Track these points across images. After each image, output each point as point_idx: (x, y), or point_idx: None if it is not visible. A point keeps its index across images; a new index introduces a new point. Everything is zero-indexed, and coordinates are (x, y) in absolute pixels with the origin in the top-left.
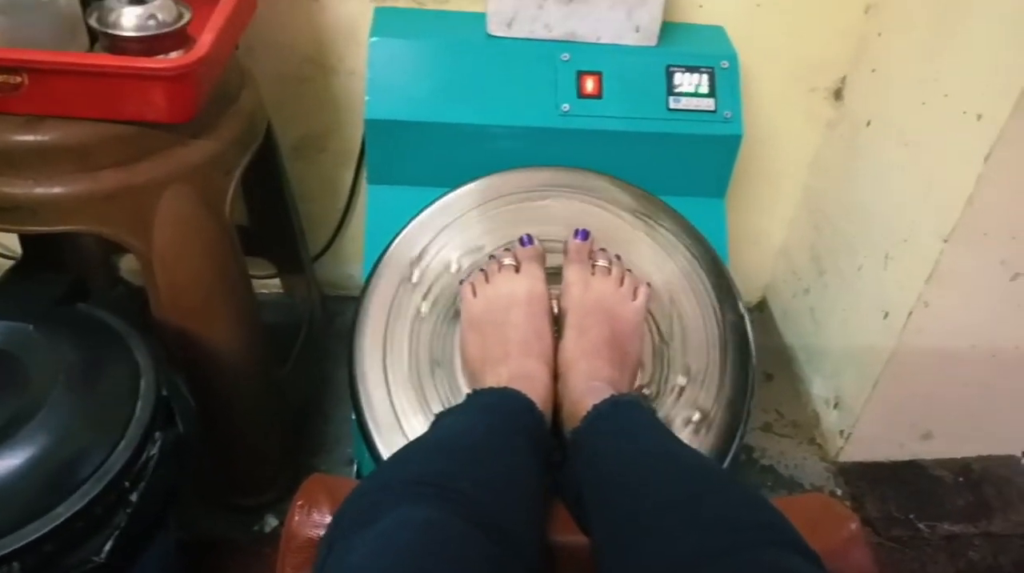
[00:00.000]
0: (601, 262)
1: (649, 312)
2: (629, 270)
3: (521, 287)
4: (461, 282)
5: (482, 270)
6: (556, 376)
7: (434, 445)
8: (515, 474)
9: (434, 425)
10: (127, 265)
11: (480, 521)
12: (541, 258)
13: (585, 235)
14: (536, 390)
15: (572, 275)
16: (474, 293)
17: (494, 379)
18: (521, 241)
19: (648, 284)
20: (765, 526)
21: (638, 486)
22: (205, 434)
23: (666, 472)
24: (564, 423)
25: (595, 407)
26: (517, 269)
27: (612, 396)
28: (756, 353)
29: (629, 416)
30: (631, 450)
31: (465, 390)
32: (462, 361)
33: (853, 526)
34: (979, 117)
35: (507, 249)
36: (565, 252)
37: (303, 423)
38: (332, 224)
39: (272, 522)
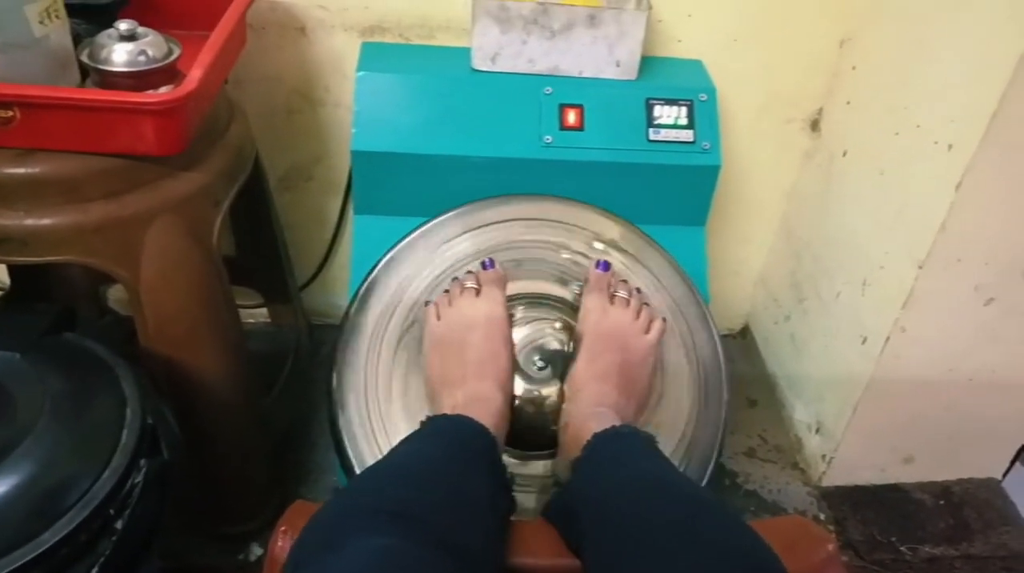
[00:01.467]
0: (621, 293)
1: None
2: (647, 304)
3: (480, 310)
4: (427, 303)
5: (446, 292)
6: (563, 397)
7: (390, 472)
8: (470, 496)
9: (391, 452)
10: (114, 295)
11: (438, 543)
12: (502, 281)
13: (606, 266)
14: (489, 413)
15: (591, 303)
16: (438, 315)
17: (450, 401)
18: (483, 264)
19: (664, 319)
20: (749, 551)
21: (633, 510)
22: (191, 462)
23: (661, 497)
24: (567, 446)
25: (595, 435)
26: (478, 292)
27: (613, 426)
28: (736, 381)
29: (629, 445)
30: (627, 476)
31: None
32: (424, 382)
33: (830, 547)
34: (950, 147)
35: (470, 272)
36: (585, 281)
37: (289, 451)
38: (319, 254)
39: (257, 551)
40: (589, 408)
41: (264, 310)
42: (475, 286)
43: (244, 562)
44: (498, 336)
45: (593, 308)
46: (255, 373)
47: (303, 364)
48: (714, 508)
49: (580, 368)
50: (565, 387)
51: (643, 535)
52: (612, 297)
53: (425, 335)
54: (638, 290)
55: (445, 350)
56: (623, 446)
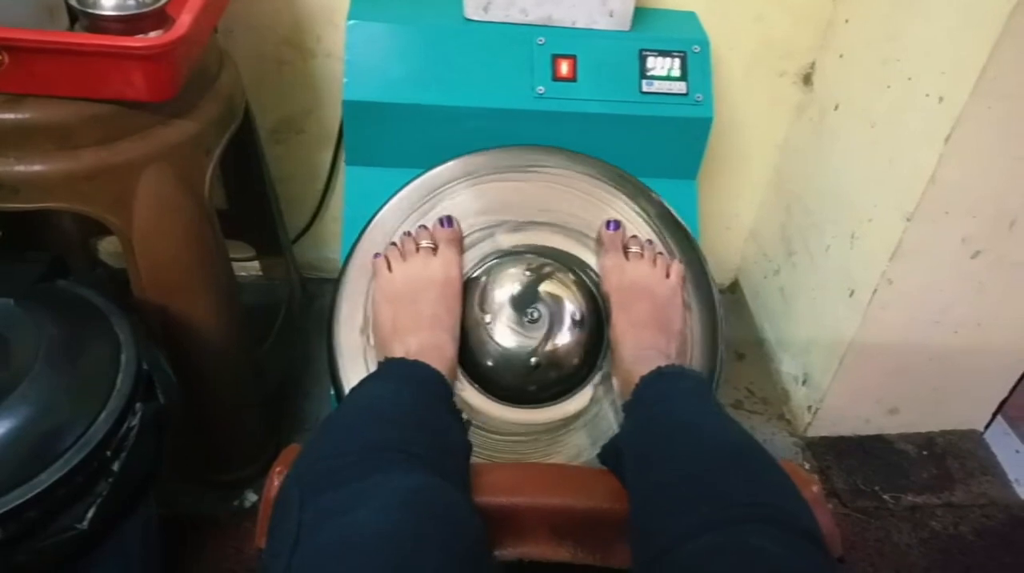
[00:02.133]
0: (634, 248)
1: None
2: (660, 252)
3: (438, 270)
4: (376, 255)
5: (394, 245)
6: (610, 348)
7: (372, 413)
8: (447, 438)
9: (355, 391)
10: (105, 247)
11: (450, 481)
12: (458, 240)
13: (616, 226)
14: (443, 360)
15: (609, 262)
16: (389, 267)
17: (402, 349)
18: (441, 222)
19: (680, 261)
20: (759, 504)
21: (662, 460)
22: (186, 410)
23: (689, 446)
24: (619, 392)
25: (642, 379)
26: (435, 250)
27: (658, 367)
28: (727, 333)
29: (672, 385)
30: (663, 423)
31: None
32: (372, 328)
33: (815, 489)
34: (940, 99)
35: (424, 227)
36: (598, 241)
37: (283, 401)
38: (311, 207)
39: (252, 497)
40: (634, 352)
41: (256, 263)
42: (431, 244)
43: (239, 509)
44: (453, 295)
45: (613, 266)
46: (248, 322)
47: (295, 317)
48: (737, 457)
49: (617, 320)
50: (609, 340)
51: (667, 493)
52: (627, 253)
53: (376, 286)
54: (649, 241)
55: (398, 303)
56: (666, 388)
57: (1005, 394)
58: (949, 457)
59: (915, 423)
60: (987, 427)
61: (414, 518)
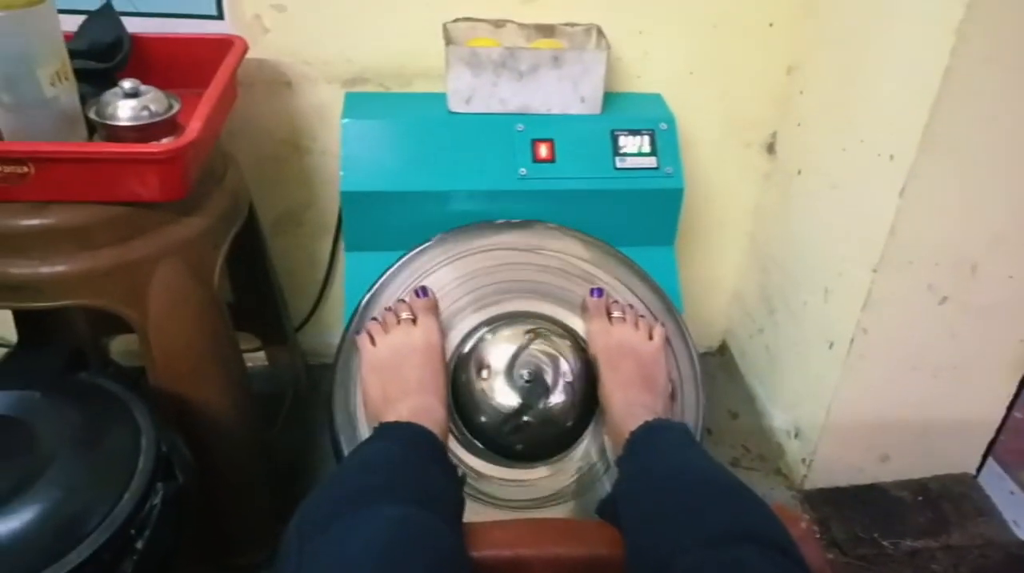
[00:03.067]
0: (616, 313)
1: None
2: (642, 315)
3: (419, 337)
4: (358, 333)
5: (375, 319)
6: (602, 410)
7: (363, 466)
8: (439, 488)
9: (350, 455)
10: (116, 347)
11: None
12: (435, 309)
13: (600, 293)
14: (435, 422)
15: (594, 327)
16: (373, 342)
17: (394, 414)
18: (416, 293)
19: (663, 324)
20: (740, 529)
21: (652, 500)
22: (199, 492)
23: (677, 485)
24: (611, 448)
25: (632, 434)
26: (414, 320)
27: (646, 422)
28: (718, 396)
29: (661, 437)
30: (654, 469)
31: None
32: (363, 401)
33: (803, 525)
34: (891, 157)
35: (402, 301)
36: (584, 308)
37: (292, 485)
38: (313, 295)
39: None
40: (623, 409)
41: (262, 353)
42: (410, 315)
43: None
44: (436, 359)
45: (598, 331)
46: (257, 407)
47: (301, 402)
48: (725, 494)
49: (605, 380)
50: (599, 400)
51: (659, 525)
52: (610, 318)
53: (362, 361)
54: (631, 306)
55: (385, 373)
56: (656, 438)
57: (992, 435)
58: (944, 501)
59: (908, 469)
60: (979, 470)
61: (399, 536)
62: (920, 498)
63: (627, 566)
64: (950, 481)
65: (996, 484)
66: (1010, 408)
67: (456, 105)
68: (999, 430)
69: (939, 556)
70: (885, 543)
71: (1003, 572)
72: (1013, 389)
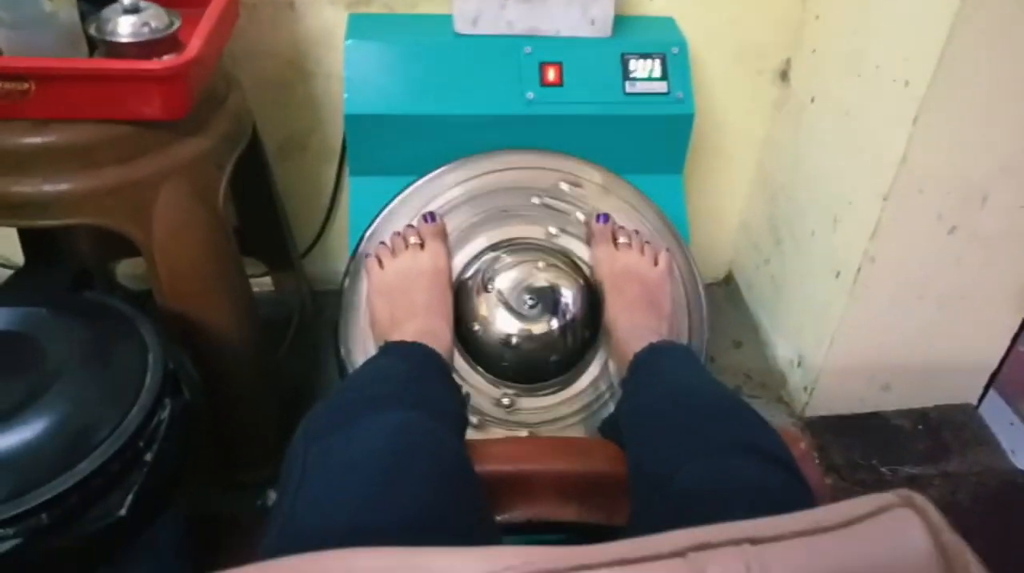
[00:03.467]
0: (622, 238)
1: None
2: (648, 242)
3: (427, 261)
4: (367, 255)
5: (383, 243)
6: (606, 332)
7: (371, 377)
8: (444, 402)
9: (357, 370)
10: (123, 270)
11: (442, 420)
12: (443, 234)
13: (606, 218)
14: (440, 342)
15: (600, 253)
16: (381, 265)
17: (400, 336)
18: (424, 218)
19: (667, 249)
20: (738, 441)
21: (655, 416)
22: (207, 411)
23: (681, 404)
24: (615, 371)
25: (636, 355)
26: (422, 245)
27: (650, 343)
28: (722, 326)
29: (665, 356)
30: (657, 389)
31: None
32: (370, 323)
33: (802, 446)
34: (906, 84)
35: (411, 226)
36: (589, 234)
37: (298, 408)
38: (318, 221)
39: (273, 496)
40: (628, 332)
41: (267, 279)
42: (418, 240)
43: (261, 508)
44: (443, 283)
45: (603, 257)
46: (262, 328)
47: (306, 328)
48: (725, 410)
49: (610, 304)
50: (603, 324)
51: (660, 439)
52: (616, 243)
53: (369, 284)
54: (636, 232)
55: (392, 296)
56: (660, 359)
57: (995, 366)
58: (944, 430)
59: (909, 399)
60: (980, 401)
61: (403, 439)
62: (920, 427)
63: (630, 481)
64: (951, 411)
65: (997, 414)
66: (1014, 340)
67: (462, 27)
68: (1002, 361)
69: (937, 482)
70: (883, 469)
71: (999, 499)
72: (1018, 321)
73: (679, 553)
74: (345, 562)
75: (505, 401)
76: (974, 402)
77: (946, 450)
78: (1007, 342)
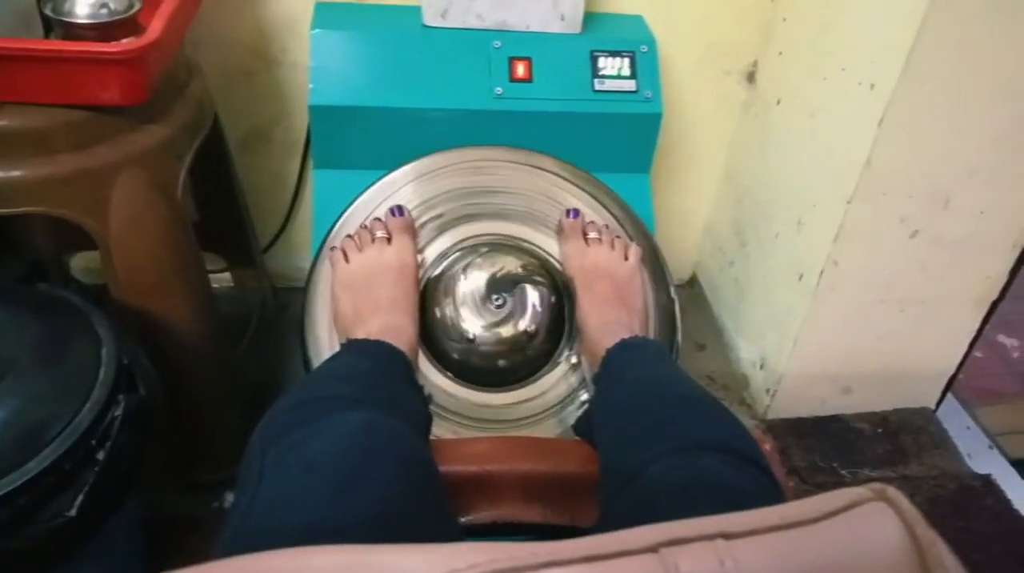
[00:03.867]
0: (592, 234)
1: None
2: (618, 236)
3: (393, 256)
4: (332, 249)
5: (349, 237)
6: (578, 330)
7: (332, 375)
8: (406, 402)
9: (318, 368)
10: (77, 264)
11: (405, 421)
12: (411, 228)
13: (576, 214)
14: (403, 340)
15: (570, 249)
16: (347, 259)
17: (363, 331)
18: (392, 212)
19: (637, 245)
20: (711, 439)
21: (626, 412)
22: (165, 410)
23: (650, 399)
24: (587, 367)
25: (608, 351)
26: (389, 239)
27: (622, 339)
28: (686, 328)
29: (636, 353)
30: (627, 385)
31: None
32: (333, 318)
33: (767, 446)
34: (872, 86)
35: (378, 219)
36: (559, 230)
37: (259, 407)
38: (280, 216)
39: (231, 498)
40: (600, 328)
41: (227, 275)
42: (385, 234)
43: (219, 509)
44: (409, 279)
45: (573, 252)
46: (223, 323)
47: (268, 325)
48: (701, 404)
49: (581, 300)
50: (575, 321)
51: (630, 435)
52: (586, 239)
53: (334, 277)
54: (606, 226)
55: (356, 290)
56: (631, 355)
57: (953, 371)
58: (903, 434)
59: (869, 402)
60: (938, 405)
61: (365, 438)
62: (880, 430)
63: (601, 478)
64: (910, 415)
65: (954, 419)
66: (971, 345)
67: (431, 18)
68: (959, 366)
69: (895, 485)
70: (844, 472)
71: (956, 501)
72: (976, 325)
73: (651, 549)
74: (296, 561)
75: (477, 401)
76: (932, 406)
77: (904, 454)
78: (965, 347)
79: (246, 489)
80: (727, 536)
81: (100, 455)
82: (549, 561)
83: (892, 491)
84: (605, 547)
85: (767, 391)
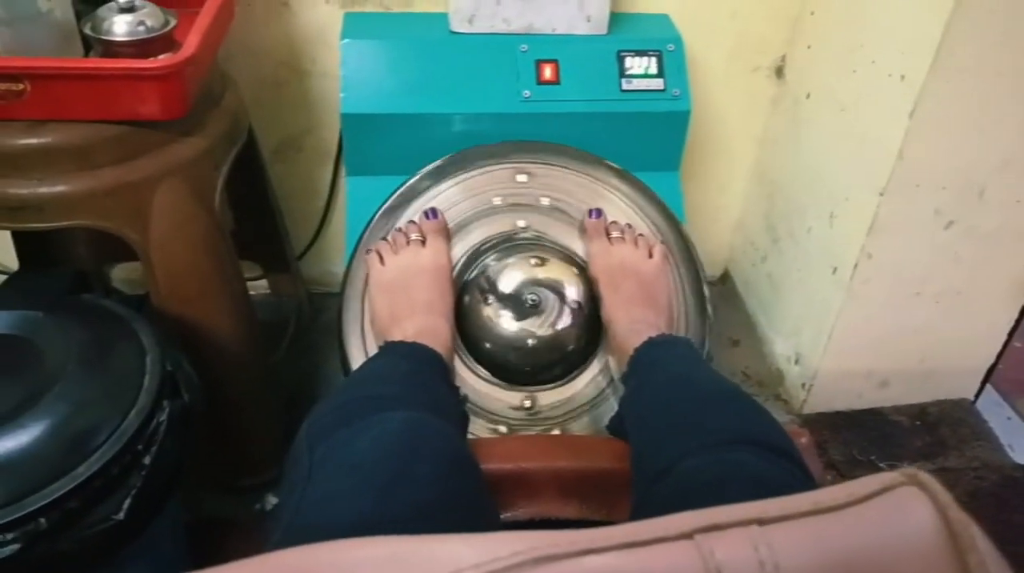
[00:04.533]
0: (615, 233)
1: None
2: (641, 235)
3: (427, 258)
4: (368, 251)
5: (384, 240)
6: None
7: (373, 377)
8: (446, 403)
9: (359, 369)
10: (118, 275)
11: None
12: (445, 230)
13: (599, 213)
14: (440, 342)
15: (594, 248)
16: (382, 261)
17: (401, 334)
18: (426, 214)
19: (662, 242)
20: (743, 434)
21: (657, 410)
22: (206, 415)
23: (681, 396)
24: (615, 367)
25: (636, 350)
26: (423, 242)
27: (649, 338)
28: (719, 325)
29: (664, 351)
30: (657, 383)
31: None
32: (370, 319)
33: (803, 440)
34: (902, 78)
35: (413, 222)
36: (582, 229)
37: (297, 411)
38: (314, 223)
39: (272, 500)
40: (626, 327)
41: (264, 282)
42: (420, 237)
43: (260, 512)
44: (444, 281)
45: (598, 252)
46: (261, 330)
47: (304, 331)
48: (725, 402)
49: (607, 300)
50: (602, 320)
51: (662, 432)
52: (610, 238)
53: (370, 280)
54: (628, 226)
55: (393, 293)
56: (659, 353)
57: (992, 361)
58: (942, 426)
59: (907, 395)
60: (977, 396)
61: (409, 436)
62: (918, 423)
63: (632, 476)
64: (948, 406)
65: (993, 410)
66: (1010, 335)
67: (458, 25)
68: (999, 357)
69: (935, 478)
70: (882, 465)
71: (997, 493)
72: (1014, 316)
73: (686, 535)
74: (342, 553)
75: (527, 403)
76: (971, 398)
77: (944, 446)
78: (1003, 337)
79: (295, 487)
80: (761, 522)
81: (146, 460)
82: (587, 548)
83: (924, 475)
84: (641, 534)
85: (803, 386)
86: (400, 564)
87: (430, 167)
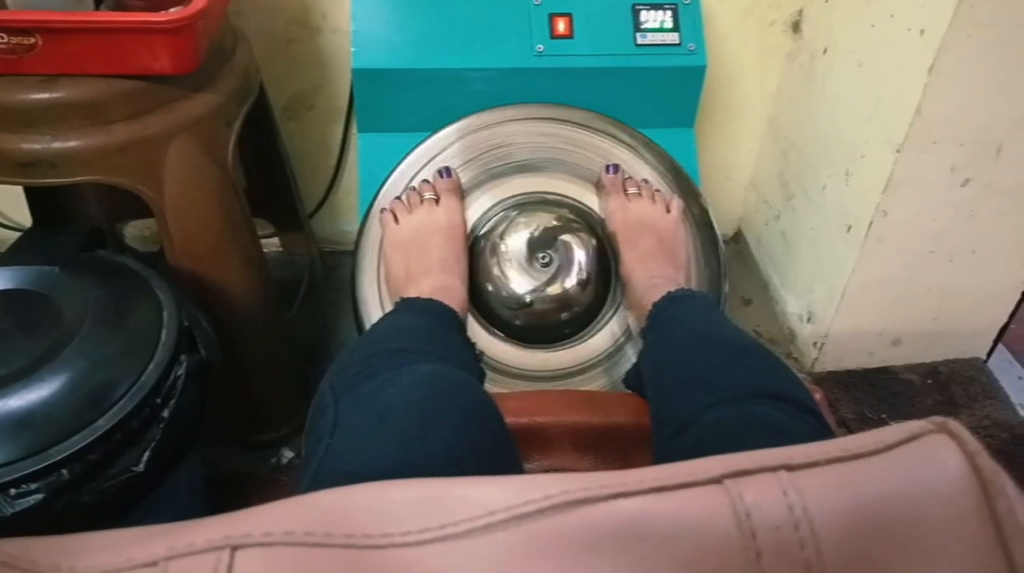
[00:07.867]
0: (632, 189)
1: None
2: (658, 190)
3: (442, 217)
4: (382, 210)
5: (399, 199)
6: (623, 281)
7: (393, 331)
8: (464, 357)
9: (377, 323)
10: (131, 232)
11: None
12: (458, 190)
13: (616, 169)
14: (455, 299)
15: (612, 204)
16: (396, 220)
17: (415, 291)
18: (440, 173)
19: (678, 196)
20: (764, 387)
21: (676, 364)
22: (222, 370)
23: (700, 349)
24: (634, 323)
25: (654, 305)
26: (437, 200)
27: (668, 292)
28: (732, 278)
29: (683, 306)
30: (677, 337)
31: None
32: (385, 277)
33: (818, 396)
34: (922, 32)
35: (426, 181)
36: (600, 185)
37: (311, 367)
38: (325, 181)
39: (288, 454)
40: (645, 283)
41: (275, 240)
42: (433, 195)
43: (277, 465)
44: (458, 239)
45: (616, 207)
46: (275, 287)
47: (317, 288)
48: (745, 357)
49: (625, 256)
50: (620, 276)
51: (682, 386)
52: (627, 194)
53: (384, 238)
54: (645, 181)
55: (407, 251)
56: (678, 308)
57: (1004, 320)
58: (953, 384)
59: (918, 354)
60: (989, 355)
61: (434, 388)
62: (929, 381)
63: (652, 430)
64: (960, 365)
65: (1005, 369)
66: None
67: None
68: (1011, 317)
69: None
70: (892, 423)
71: (1009, 451)
72: None
73: (715, 480)
74: (378, 494)
75: (541, 362)
76: (983, 357)
77: (955, 405)
78: (1017, 297)
79: (322, 437)
80: (790, 468)
81: (165, 413)
82: (618, 492)
83: (953, 423)
84: (671, 478)
85: (814, 344)
86: (433, 505)
87: (445, 128)
